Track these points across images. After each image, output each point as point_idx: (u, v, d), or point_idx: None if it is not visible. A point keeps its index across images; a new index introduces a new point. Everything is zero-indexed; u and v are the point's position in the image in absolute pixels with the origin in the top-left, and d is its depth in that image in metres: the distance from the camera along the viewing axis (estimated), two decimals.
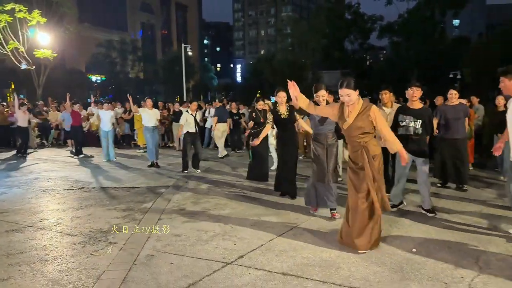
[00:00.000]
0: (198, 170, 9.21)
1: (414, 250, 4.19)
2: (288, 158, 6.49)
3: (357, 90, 4.08)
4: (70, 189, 7.69)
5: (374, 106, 4.13)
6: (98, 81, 51.76)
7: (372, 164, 4.07)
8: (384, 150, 4.47)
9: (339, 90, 4.08)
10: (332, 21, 36.93)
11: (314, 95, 5.42)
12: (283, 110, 6.41)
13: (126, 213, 5.95)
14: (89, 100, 28.80)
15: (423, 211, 5.47)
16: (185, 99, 29.25)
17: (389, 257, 3.98)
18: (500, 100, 7.91)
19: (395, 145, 4.15)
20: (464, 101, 7.56)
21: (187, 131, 9.00)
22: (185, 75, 36.74)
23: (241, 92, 46.83)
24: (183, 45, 33.06)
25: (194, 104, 9.41)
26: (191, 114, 9.06)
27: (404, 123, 5.35)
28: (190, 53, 36.70)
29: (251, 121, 8.76)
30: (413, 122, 5.29)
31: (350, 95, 4.06)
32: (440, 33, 37.80)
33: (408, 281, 3.48)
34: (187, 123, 9.03)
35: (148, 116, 9.99)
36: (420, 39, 34.84)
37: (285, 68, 33.61)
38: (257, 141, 6.90)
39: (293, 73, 33.09)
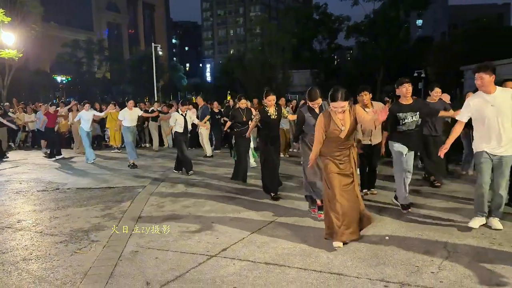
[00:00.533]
0: (178, 171, 9.09)
1: (387, 238, 4.45)
2: (275, 158, 6.60)
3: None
4: (45, 191, 7.61)
5: (356, 106, 4.31)
6: (64, 82, 50.42)
7: (356, 159, 4.36)
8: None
9: (334, 103, 4.09)
10: (300, 21, 37.47)
11: (310, 103, 5.35)
12: (272, 111, 6.46)
13: (105, 212, 5.98)
14: (55, 101, 28.05)
15: (395, 201, 5.68)
16: (156, 99, 29.01)
17: (364, 245, 4.22)
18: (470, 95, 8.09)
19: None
20: (447, 97, 7.67)
21: (177, 131, 8.92)
22: (154, 75, 36.44)
23: (211, 91, 46.75)
24: (153, 44, 32.75)
25: (186, 106, 9.27)
26: (182, 114, 8.99)
27: (406, 121, 5.35)
28: (160, 53, 36.32)
29: (229, 120, 8.41)
30: (412, 117, 5.34)
31: (344, 107, 4.11)
32: (405, 33, 38.95)
33: (383, 265, 3.72)
34: (177, 123, 8.95)
35: (130, 116, 9.99)
36: (386, 39, 35.81)
37: (256, 68, 33.87)
38: (249, 134, 7.12)
39: (263, 72, 33.44)
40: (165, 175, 8.92)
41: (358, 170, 4.80)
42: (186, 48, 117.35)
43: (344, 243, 4.22)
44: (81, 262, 4.05)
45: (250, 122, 7.59)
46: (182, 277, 3.61)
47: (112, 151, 13.34)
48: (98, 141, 15.03)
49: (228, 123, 8.20)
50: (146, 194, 7.07)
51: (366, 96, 6.16)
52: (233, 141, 8.08)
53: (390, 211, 5.49)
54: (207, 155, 11.59)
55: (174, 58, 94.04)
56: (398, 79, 5.58)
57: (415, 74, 32.70)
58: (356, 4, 37.75)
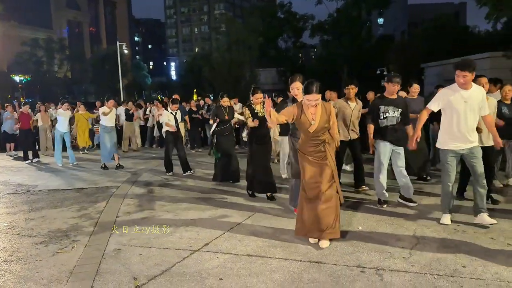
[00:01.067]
0: (188, 172, 8.69)
1: (359, 228, 4.72)
2: (264, 157, 6.42)
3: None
4: (15, 193, 7.48)
5: (330, 105, 4.35)
6: (23, 82, 48.63)
7: (333, 156, 4.28)
8: None
9: (308, 96, 4.03)
10: (265, 20, 37.81)
11: (290, 87, 5.34)
12: (259, 108, 6.32)
13: (81, 213, 5.97)
14: (14, 102, 27.05)
15: (402, 201, 5.62)
16: (122, 99, 28.54)
17: (340, 235, 4.45)
18: None
19: (337, 142, 4.46)
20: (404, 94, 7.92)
21: (167, 131, 8.65)
22: (116, 74, 35.77)
23: (177, 90, 46.33)
24: (118, 43, 32.10)
25: (176, 105, 8.98)
26: (171, 113, 8.71)
27: (387, 114, 5.43)
28: (126, 51, 35.69)
29: (211, 119, 8.05)
30: (393, 112, 5.47)
31: (318, 100, 4.09)
32: (367, 32, 39.99)
33: (358, 253, 3.97)
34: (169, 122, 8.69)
35: (108, 116, 9.70)
36: (349, 38, 36.67)
37: (223, 66, 33.90)
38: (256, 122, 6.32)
39: (231, 71, 33.50)
40: (138, 175, 8.92)
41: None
42: (149, 46, 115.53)
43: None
44: (64, 262, 4.08)
45: (232, 121, 7.65)
46: (168, 271, 3.72)
47: (80, 152, 13.10)
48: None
49: (211, 121, 7.93)
50: (121, 194, 7.07)
51: (352, 90, 6.28)
52: (214, 140, 7.85)
53: (364, 206, 5.78)
54: None
55: (137, 57, 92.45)
56: (391, 75, 5.62)
57: (378, 72, 33.64)
58: (320, 3, 38.48)
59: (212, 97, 15.56)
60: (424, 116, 4.90)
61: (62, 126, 10.75)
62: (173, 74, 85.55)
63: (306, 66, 45.25)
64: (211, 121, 8.06)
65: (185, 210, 5.89)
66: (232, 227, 4.94)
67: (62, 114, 10.81)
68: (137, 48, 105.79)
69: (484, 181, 4.63)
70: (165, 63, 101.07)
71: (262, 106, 6.26)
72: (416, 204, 5.55)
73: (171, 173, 8.75)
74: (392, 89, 5.49)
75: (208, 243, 4.42)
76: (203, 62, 38.32)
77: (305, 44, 45.34)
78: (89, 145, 13.76)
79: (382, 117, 5.46)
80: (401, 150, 5.51)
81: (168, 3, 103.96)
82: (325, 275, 3.52)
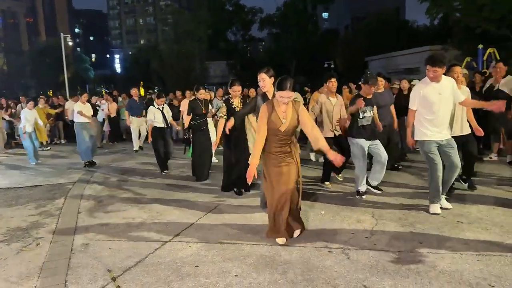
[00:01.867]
0: (165, 172, 8.16)
1: (323, 212, 4.98)
2: (242, 154, 5.98)
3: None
4: None
5: (301, 104, 4.11)
6: None
7: (298, 155, 4.19)
8: None
9: (282, 92, 3.82)
10: (214, 12, 37.62)
11: (230, 90, 5.56)
12: (237, 102, 6.05)
13: (39, 210, 5.80)
14: None
15: (370, 188, 5.78)
16: (68, 93, 27.41)
17: (304, 220, 4.66)
18: (404, 84, 8.39)
19: (321, 141, 4.00)
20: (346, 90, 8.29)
21: (155, 126, 8.09)
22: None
23: (123, 83, 45.05)
24: (62, 34, 30.56)
25: (162, 99, 8.44)
26: (158, 108, 8.18)
27: (365, 114, 5.46)
28: (70, 43, 34.08)
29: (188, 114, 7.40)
30: (370, 111, 5.51)
31: (291, 97, 3.92)
32: (313, 26, 40.92)
33: (324, 235, 4.21)
34: (156, 117, 8.14)
35: (84, 111, 9.15)
36: (297, 31, 37.35)
37: (173, 59, 33.33)
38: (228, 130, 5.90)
39: (181, 63, 33.01)
40: (94, 171, 8.72)
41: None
42: (91, 38, 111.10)
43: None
44: (31, 259, 3.99)
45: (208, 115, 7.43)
46: (142, 262, 3.76)
47: (44, 148, 12.67)
48: (8, 139, 13.99)
49: (187, 118, 7.34)
50: (79, 190, 6.91)
51: (334, 84, 6.07)
52: (190, 135, 7.51)
53: (328, 194, 6.06)
54: (135, 149, 11.42)
55: (78, 49, 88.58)
56: (367, 75, 5.61)
57: (325, 65, 34.59)
58: None
59: (158, 90, 15.36)
60: (411, 118, 4.93)
61: (30, 125, 10.06)
62: (118, 67, 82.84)
63: (255, 59, 45.56)
64: (184, 116, 7.56)
65: (149, 203, 5.88)
66: (200, 218, 5.02)
67: (28, 113, 10.08)
68: (77, 40, 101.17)
69: (457, 173, 4.90)
70: (108, 55, 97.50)
71: (240, 100, 6.06)
72: (381, 191, 5.77)
73: (166, 171, 8.09)
74: (369, 91, 5.52)
75: (178, 234, 4.48)
76: (151, 54, 37.45)
77: (254, 37, 45.58)
78: (46, 141, 13.31)
79: (361, 116, 5.48)
80: (378, 142, 5.66)
81: None
82: (296, 256, 3.71)
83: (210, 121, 8.04)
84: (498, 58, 8.37)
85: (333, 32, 47.39)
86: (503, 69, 7.43)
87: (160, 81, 32.57)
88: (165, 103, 8.54)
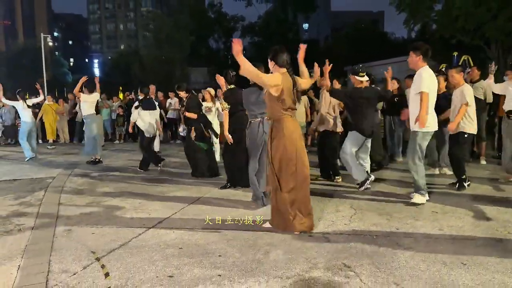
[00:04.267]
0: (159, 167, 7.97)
1: None
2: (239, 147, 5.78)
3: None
4: None
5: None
6: None
7: None
8: None
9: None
10: (195, 19, 37.72)
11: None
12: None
13: (19, 201, 5.75)
14: None
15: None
16: (46, 95, 26.91)
17: None
18: (394, 85, 8.37)
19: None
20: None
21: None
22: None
23: (102, 87, 44.43)
24: (42, 34, 30.14)
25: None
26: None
27: None
28: (50, 43, 33.59)
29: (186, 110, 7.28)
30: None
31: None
32: (294, 34, 41.39)
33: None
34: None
35: (91, 102, 8.84)
36: (279, 40, 37.71)
37: (154, 63, 33.20)
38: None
39: (162, 68, 32.89)
40: (74, 166, 8.66)
41: None
42: (70, 42, 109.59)
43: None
44: (13, 242, 3.98)
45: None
46: (126, 245, 3.80)
47: (48, 147, 12.64)
48: None
49: (191, 115, 7.15)
50: (59, 183, 6.87)
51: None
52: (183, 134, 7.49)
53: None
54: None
55: (57, 53, 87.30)
56: (356, 67, 6.03)
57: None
58: (250, 5, 39.22)
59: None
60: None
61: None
62: (97, 71, 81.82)
63: (235, 67, 45.65)
64: (187, 114, 7.23)
65: (131, 195, 5.89)
66: (183, 207, 5.08)
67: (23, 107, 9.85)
68: (56, 44, 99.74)
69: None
70: (87, 60, 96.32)
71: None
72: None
73: (160, 167, 7.90)
74: (357, 82, 5.95)
75: (161, 221, 4.53)
76: (132, 59, 37.21)
77: None
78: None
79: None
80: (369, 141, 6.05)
81: None
82: (277, 239, 3.82)
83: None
84: (472, 64, 8.75)
85: (314, 42, 48.08)
86: (476, 74, 7.80)
87: (141, 85, 32.30)
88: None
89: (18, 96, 9.90)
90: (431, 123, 4.94)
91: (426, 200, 5.01)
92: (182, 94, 7.46)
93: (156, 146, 9.41)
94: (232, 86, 6.08)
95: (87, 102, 8.77)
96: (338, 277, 3.00)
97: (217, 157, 7.99)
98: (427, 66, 4.92)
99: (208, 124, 7.44)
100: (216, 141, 8.36)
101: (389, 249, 3.53)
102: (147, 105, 7.96)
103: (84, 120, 8.94)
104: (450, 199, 5.16)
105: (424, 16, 15.49)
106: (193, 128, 7.18)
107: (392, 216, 4.48)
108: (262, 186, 5.09)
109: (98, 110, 9.36)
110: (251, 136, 5.13)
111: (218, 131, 8.03)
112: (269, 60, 4.22)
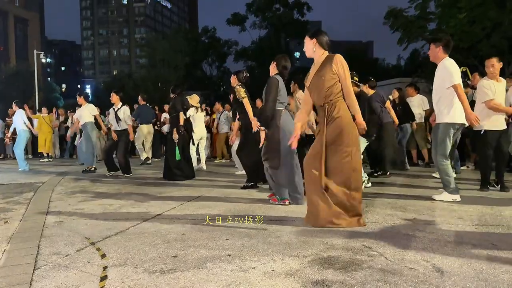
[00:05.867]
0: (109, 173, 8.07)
1: None
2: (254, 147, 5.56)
3: None
4: None
5: None
6: None
7: None
8: None
9: None
10: (190, 43, 38.02)
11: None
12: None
13: (6, 200, 5.40)
14: None
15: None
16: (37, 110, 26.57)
17: (297, 206, 4.52)
18: (395, 94, 8.63)
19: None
20: None
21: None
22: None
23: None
24: (35, 51, 30.00)
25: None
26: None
27: None
28: (43, 60, 33.40)
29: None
30: None
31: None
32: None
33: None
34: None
35: (88, 110, 8.78)
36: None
37: (148, 84, 33.14)
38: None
39: (157, 89, 32.81)
40: (66, 173, 8.34)
41: None
42: (63, 68, 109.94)
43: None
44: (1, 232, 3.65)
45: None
46: (124, 232, 3.48)
47: (40, 160, 12.22)
48: None
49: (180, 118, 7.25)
50: (49, 186, 6.54)
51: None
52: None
53: None
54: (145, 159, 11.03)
55: (49, 78, 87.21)
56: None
57: None
58: (244, 31, 39.77)
59: None
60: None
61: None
62: (89, 96, 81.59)
63: (227, 92, 45.99)
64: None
65: (127, 195, 5.58)
66: (182, 203, 4.79)
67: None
68: (48, 70, 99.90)
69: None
70: (79, 85, 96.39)
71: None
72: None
73: (110, 174, 8.03)
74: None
75: (160, 214, 4.23)
76: (126, 80, 37.12)
77: (229, 70, 46.13)
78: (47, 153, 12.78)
79: None
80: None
81: (85, 24, 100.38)
82: (288, 228, 3.53)
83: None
84: (470, 76, 8.71)
85: (306, 69, 48.56)
86: (477, 80, 7.75)
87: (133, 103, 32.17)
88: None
89: (16, 105, 9.87)
90: (458, 115, 4.58)
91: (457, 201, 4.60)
92: (171, 95, 7.51)
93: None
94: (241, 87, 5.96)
95: (87, 109, 8.71)
96: (360, 255, 2.72)
97: (195, 163, 8.28)
98: (448, 57, 4.66)
99: (189, 129, 7.47)
100: (201, 148, 9.10)
101: (410, 232, 3.27)
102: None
103: (83, 128, 8.74)
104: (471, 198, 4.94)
105: (418, 35, 15.63)
106: (174, 129, 7.13)
107: (407, 209, 4.24)
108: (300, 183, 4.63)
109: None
110: (286, 126, 4.60)
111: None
112: (308, 38, 3.81)
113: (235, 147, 7.01)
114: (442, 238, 3.10)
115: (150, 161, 10.59)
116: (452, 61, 4.62)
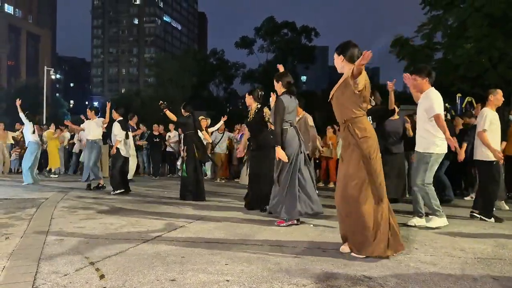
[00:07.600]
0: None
1: (311, 225, 4.81)
2: (265, 170, 5.58)
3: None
4: None
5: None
6: None
7: None
8: None
9: None
10: (199, 64, 38.52)
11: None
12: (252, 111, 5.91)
13: (9, 215, 5.40)
14: None
15: None
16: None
17: (304, 233, 4.50)
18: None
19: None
20: None
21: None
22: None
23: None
24: (45, 67, 30.54)
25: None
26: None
27: None
28: (53, 77, 33.94)
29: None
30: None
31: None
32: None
33: (314, 241, 4.03)
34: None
35: (95, 126, 8.77)
36: None
37: (155, 102, 33.47)
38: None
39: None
40: (68, 190, 8.36)
41: None
42: (71, 85, 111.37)
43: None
44: (1, 249, 3.65)
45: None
46: (124, 253, 3.48)
47: (51, 175, 12.31)
48: None
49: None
50: (52, 203, 6.54)
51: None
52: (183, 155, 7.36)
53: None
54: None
55: (57, 94, 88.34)
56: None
57: None
58: (252, 54, 40.33)
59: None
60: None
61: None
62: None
63: (236, 112, 46.20)
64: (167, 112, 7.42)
65: (127, 213, 5.59)
66: (184, 225, 4.77)
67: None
68: (57, 86, 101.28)
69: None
70: (87, 102, 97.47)
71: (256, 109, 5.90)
72: None
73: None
74: None
75: (160, 235, 4.22)
76: (133, 98, 37.51)
77: (235, 91, 46.52)
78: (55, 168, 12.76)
79: None
80: None
81: (96, 42, 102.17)
82: (288, 254, 3.51)
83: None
84: (475, 105, 8.77)
85: (312, 93, 48.94)
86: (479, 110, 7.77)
87: (140, 121, 32.45)
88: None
89: (27, 118, 9.96)
90: (443, 145, 4.78)
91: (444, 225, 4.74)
92: (183, 112, 7.44)
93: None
94: (259, 105, 5.94)
95: (96, 124, 8.73)
96: (360, 286, 2.69)
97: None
98: (433, 87, 4.86)
99: (201, 146, 7.27)
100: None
101: (411, 264, 3.24)
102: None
103: (91, 144, 8.69)
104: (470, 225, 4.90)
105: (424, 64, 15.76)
106: (185, 147, 7.14)
107: (409, 239, 4.20)
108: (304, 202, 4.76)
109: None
110: (290, 142, 4.75)
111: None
112: (336, 55, 3.67)
113: (245, 169, 7.06)
114: (444, 271, 3.07)
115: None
116: (435, 91, 4.81)
